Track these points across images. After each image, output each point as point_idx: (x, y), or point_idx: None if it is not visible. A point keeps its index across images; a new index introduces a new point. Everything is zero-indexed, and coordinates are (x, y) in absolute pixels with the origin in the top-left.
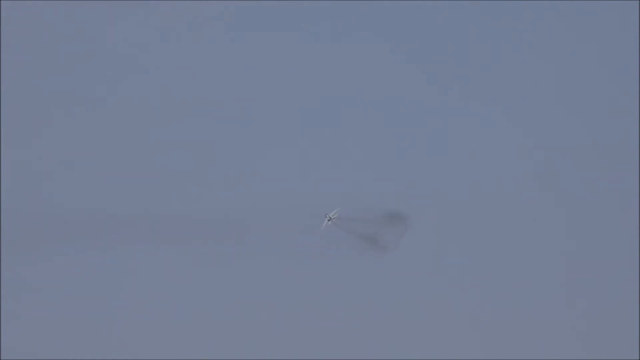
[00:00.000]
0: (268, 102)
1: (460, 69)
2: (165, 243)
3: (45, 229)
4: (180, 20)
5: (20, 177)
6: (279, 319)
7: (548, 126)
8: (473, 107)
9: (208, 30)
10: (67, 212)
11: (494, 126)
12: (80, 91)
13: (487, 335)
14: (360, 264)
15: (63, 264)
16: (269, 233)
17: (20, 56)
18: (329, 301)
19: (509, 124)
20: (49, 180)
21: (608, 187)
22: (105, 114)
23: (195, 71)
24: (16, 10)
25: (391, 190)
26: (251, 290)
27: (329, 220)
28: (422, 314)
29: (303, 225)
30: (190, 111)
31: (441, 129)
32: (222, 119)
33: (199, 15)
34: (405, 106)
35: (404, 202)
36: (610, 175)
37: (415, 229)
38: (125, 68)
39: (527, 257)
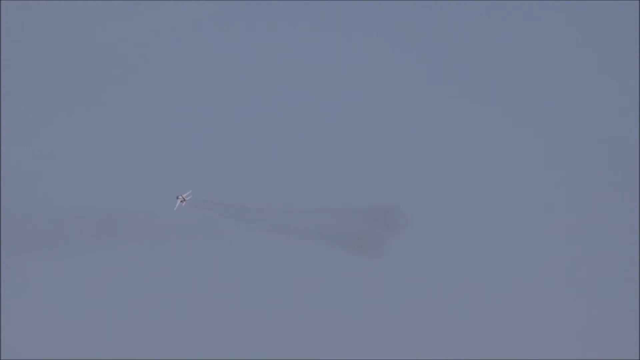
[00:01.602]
0: (264, 102)
1: (461, 68)
2: (164, 242)
3: (45, 229)
4: (179, 21)
5: (19, 177)
6: (277, 318)
7: (548, 125)
8: (473, 107)
9: (207, 30)
10: (65, 212)
11: (493, 125)
12: (79, 91)
13: (486, 335)
14: (353, 263)
15: (62, 264)
16: (259, 231)
17: (20, 56)
18: (324, 301)
19: (509, 123)
20: (48, 180)
21: (609, 186)
22: (103, 113)
23: (192, 71)
24: (16, 10)
25: (391, 188)
26: (244, 289)
27: (182, 202)
28: (420, 314)
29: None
30: (188, 111)
31: (441, 128)
32: (220, 119)
33: (198, 15)
34: (405, 105)
35: (403, 200)
36: (611, 174)
37: (414, 228)
38: (123, 68)
39: (526, 256)
